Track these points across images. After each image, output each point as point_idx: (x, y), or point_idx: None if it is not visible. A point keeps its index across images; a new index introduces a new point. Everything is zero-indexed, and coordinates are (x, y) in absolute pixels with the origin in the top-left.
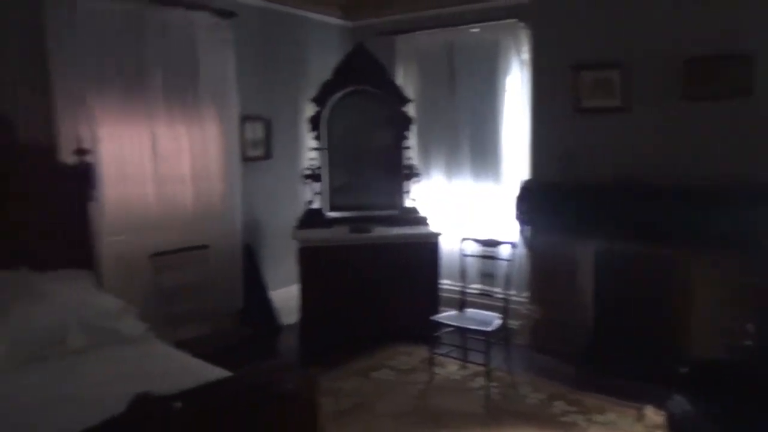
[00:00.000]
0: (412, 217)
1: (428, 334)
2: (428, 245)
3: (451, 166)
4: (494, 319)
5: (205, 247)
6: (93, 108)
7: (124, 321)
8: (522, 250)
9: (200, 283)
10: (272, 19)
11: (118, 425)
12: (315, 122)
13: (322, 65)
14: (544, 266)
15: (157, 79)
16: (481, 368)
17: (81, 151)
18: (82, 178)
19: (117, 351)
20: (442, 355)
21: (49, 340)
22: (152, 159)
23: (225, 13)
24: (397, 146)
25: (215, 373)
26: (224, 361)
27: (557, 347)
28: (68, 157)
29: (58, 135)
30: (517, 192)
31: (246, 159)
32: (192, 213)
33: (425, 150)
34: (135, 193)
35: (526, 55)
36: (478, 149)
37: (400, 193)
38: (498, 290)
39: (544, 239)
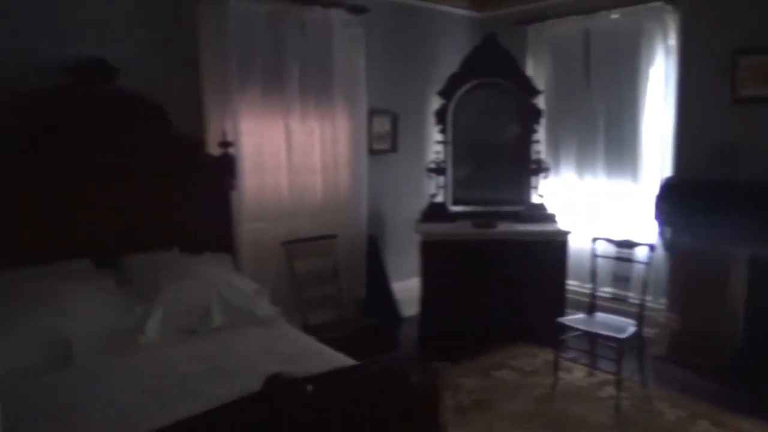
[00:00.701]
0: (539, 214)
1: (553, 336)
2: (556, 243)
3: (583, 161)
4: (628, 326)
5: (333, 236)
6: (237, 103)
7: (258, 303)
8: (661, 253)
9: (327, 272)
10: (400, 12)
11: (254, 402)
12: (441, 115)
13: (450, 58)
14: (687, 271)
15: (294, 75)
16: (611, 377)
17: (225, 144)
18: (225, 168)
19: (252, 331)
20: (568, 359)
21: (196, 316)
22: (287, 151)
23: (358, 9)
24: (525, 140)
25: (341, 359)
26: (347, 349)
27: (698, 361)
28: (214, 149)
29: (207, 128)
30: (657, 190)
31: (372, 152)
32: (321, 204)
33: (555, 144)
34: (270, 183)
35: (673, 41)
36: (614, 144)
37: (526, 188)
38: (632, 295)
39: (688, 242)
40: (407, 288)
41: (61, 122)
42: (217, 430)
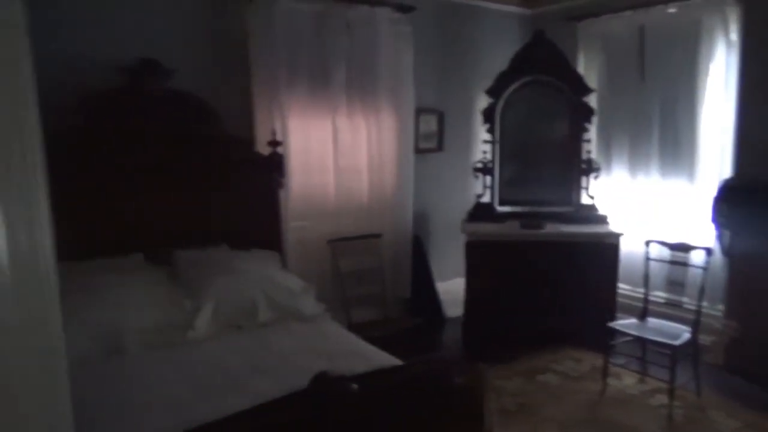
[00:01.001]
0: (590, 215)
1: (602, 341)
2: (607, 246)
3: (636, 161)
4: (682, 332)
5: (378, 235)
6: (285, 102)
7: (304, 300)
8: (718, 257)
9: (372, 271)
10: (448, 10)
11: (300, 399)
12: (488, 114)
13: (498, 56)
14: (746, 277)
15: (341, 74)
16: (663, 385)
17: (274, 143)
18: (274, 167)
19: (297, 327)
20: (617, 365)
21: (242, 312)
22: (333, 150)
23: (405, 8)
24: (575, 139)
25: (385, 358)
26: (391, 348)
27: (756, 370)
28: (263, 148)
29: (256, 127)
30: (715, 191)
31: (418, 151)
32: (367, 203)
33: (606, 143)
34: (317, 182)
35: (735, 36)
36: (669, 142)
37: (576, 188)
38: (687, 300)
39: (748, 246)
40: (450, 288)
41: (116, 122)
42: (264, 426)
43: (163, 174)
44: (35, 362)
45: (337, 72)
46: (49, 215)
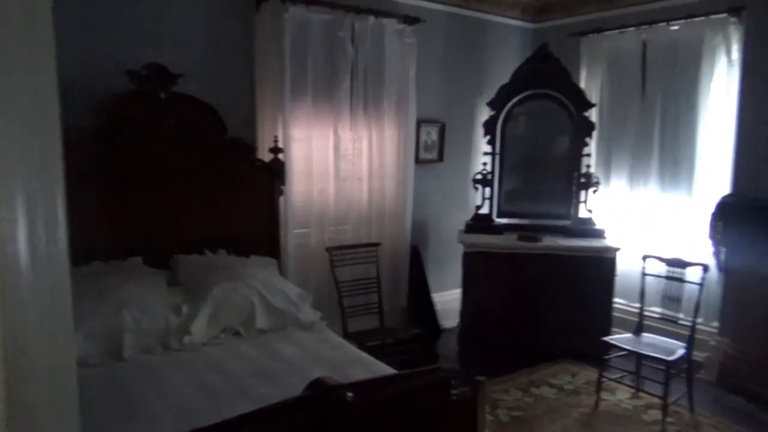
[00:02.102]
0: (587, 229)
1: (597, 355)
2: (604, 260)
3: (636, 175)
4: (677, 348)
5: (377, 244)
6: (288, 110)
7: (301, 308)
8: (714, 274)
9: (370, 280)
10: (453, 22)
11: (295, 405)
12: (489, 126)
13: (501, 68)
14: (742, 294)
15: (345, 83)
16: (657, 400)
17: (275, 149)
18: (275, 173)
19: (295, 335)
20: (612, 379)
21: (240, 318)
22: (334, 159)
23: (410, 19)
24: (575, 153)
25: (382, 368)
26: (387, 357)
27: (751, 388)
28: (264, 155)
29: (258, 134)
30: (713, 208)
31: (419, 161)
32: (366, 212)
33: (606, 158)
34: (317, 190)
35: (736, 54)
36: (669, 158)
37: (575, 202)
38: (682, 316)
39: (744, 263)
40: (445, 299)
41: (121, 125)
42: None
43: (163, 177)
44: (47, 360)
45: (341, 81)
46: (65, 216)
